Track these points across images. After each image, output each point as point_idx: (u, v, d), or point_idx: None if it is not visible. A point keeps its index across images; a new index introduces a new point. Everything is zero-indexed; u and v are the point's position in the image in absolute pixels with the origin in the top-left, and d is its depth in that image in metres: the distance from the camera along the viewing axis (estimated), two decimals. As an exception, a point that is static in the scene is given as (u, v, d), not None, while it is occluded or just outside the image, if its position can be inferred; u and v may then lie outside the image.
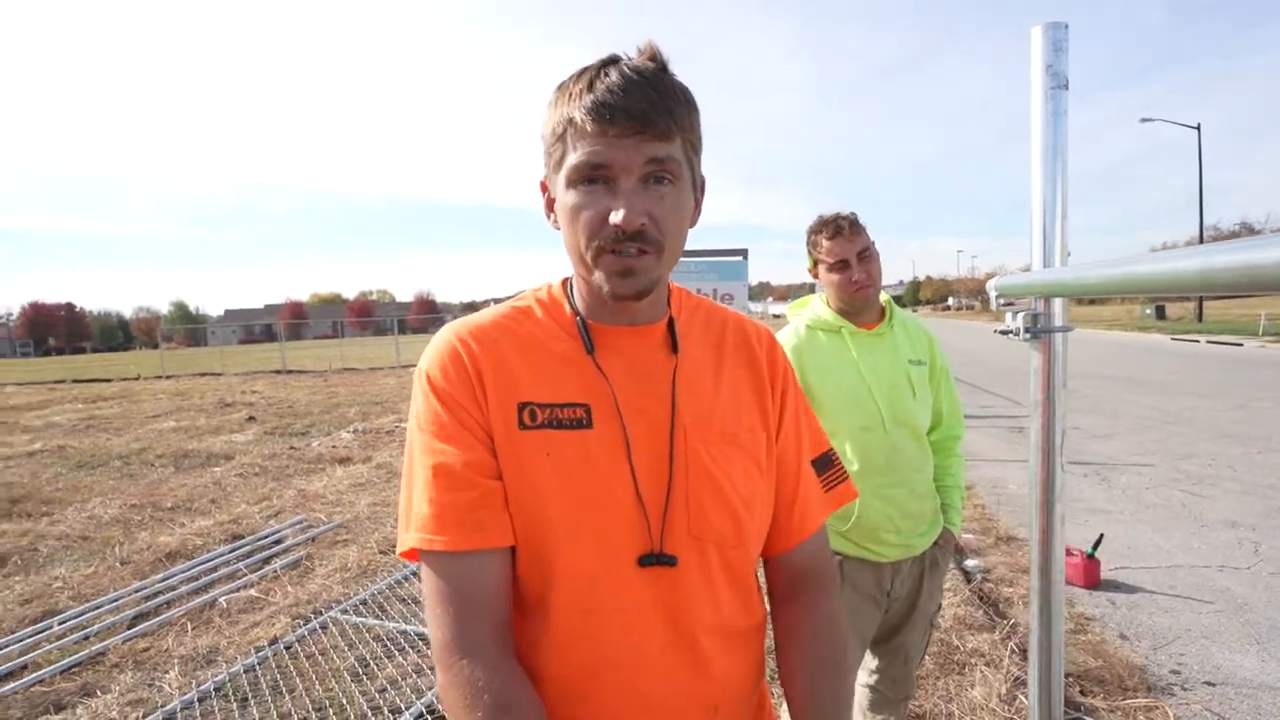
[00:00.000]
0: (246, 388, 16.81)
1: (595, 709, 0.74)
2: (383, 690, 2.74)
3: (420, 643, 3.10)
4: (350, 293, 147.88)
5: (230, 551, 4.39)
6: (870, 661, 1.90)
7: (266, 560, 4.26)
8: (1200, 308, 29.82)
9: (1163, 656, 2.88)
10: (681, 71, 0.74)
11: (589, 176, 0.70)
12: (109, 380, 21.99)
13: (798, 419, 0.88)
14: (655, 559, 0.72)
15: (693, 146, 0.74)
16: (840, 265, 1.70)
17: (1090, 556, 3.59)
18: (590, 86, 0.69)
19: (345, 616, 3.37)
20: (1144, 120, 30.99)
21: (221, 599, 3.66)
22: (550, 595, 0.72)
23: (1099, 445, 6.71)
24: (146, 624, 3.38)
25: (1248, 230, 60.05)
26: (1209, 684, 2.66)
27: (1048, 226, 0.92)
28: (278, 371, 22.32)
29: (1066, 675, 2.76)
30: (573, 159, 0.70)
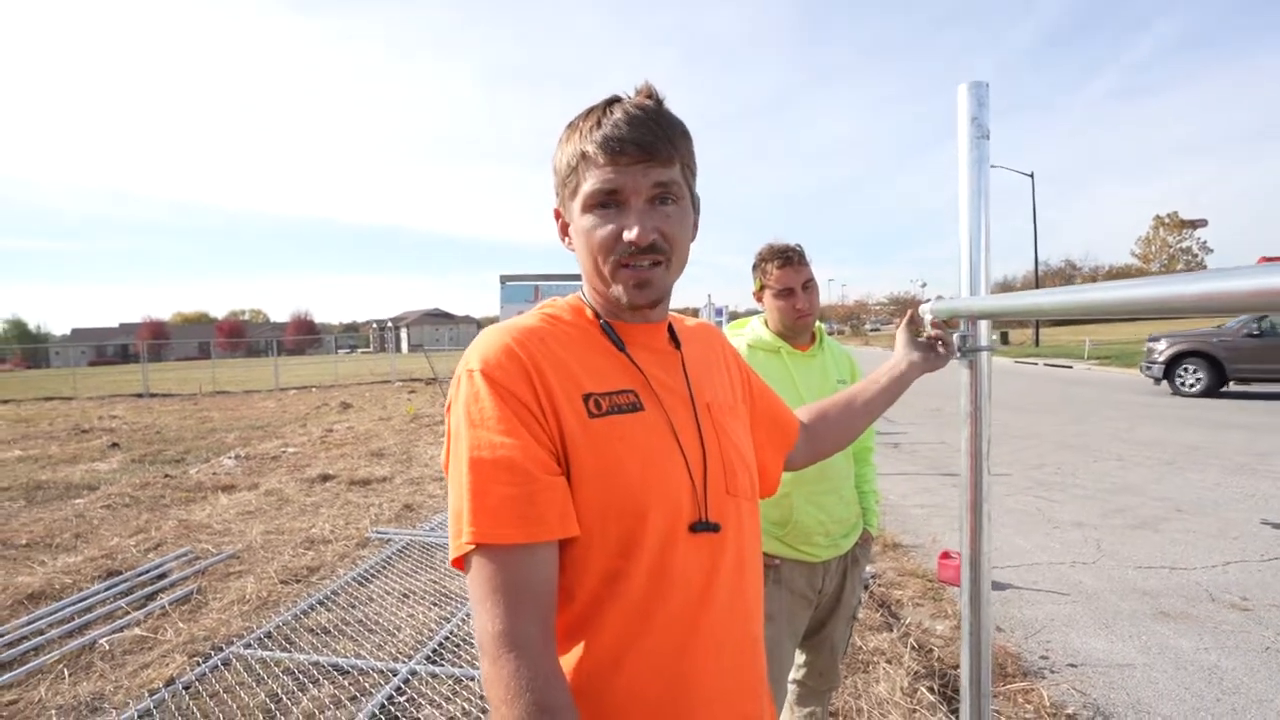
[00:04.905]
0: (104, 412, 15.26)
1: (676, 677, 0.79)
2: (299, 724, 2.62)
3: (335, 674, 2.99)
4: (218, 312, 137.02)
5: (107, 589, 4.02)
6: (798, 657, 2.04)
7: (151, 596, 3.94)
8: (1037, 334, 33.12)
9: (1033, 644, 3.24)
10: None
11: (603, 201, 0.81)
12: (-73, 405, 19.28)
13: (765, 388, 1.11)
14: (704, 525, 0.82)
15: (690, 170, 0.86)
16: (786, 293, 1.86)
17: (969, 559, 3.97)
18: (599, 124, 0.81)
19: (249, 651, 3.19)
20: (992, 167, 34.40)
21: (102, 641, 3.35)
22: (626, 566, 0.77)
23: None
24: (11, 673, 3.04)
25: (1071, 266, 67.86)
26: (1072, 665, 3.02)
27: (974, 258, 1.07)
28: (139, 395, 20.40)
29: (953, 667, 3.06)
30: (587, 187, 0.81)
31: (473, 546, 0.70)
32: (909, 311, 1.24)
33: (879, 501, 2.11)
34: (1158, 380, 12.70)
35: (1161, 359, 12.60)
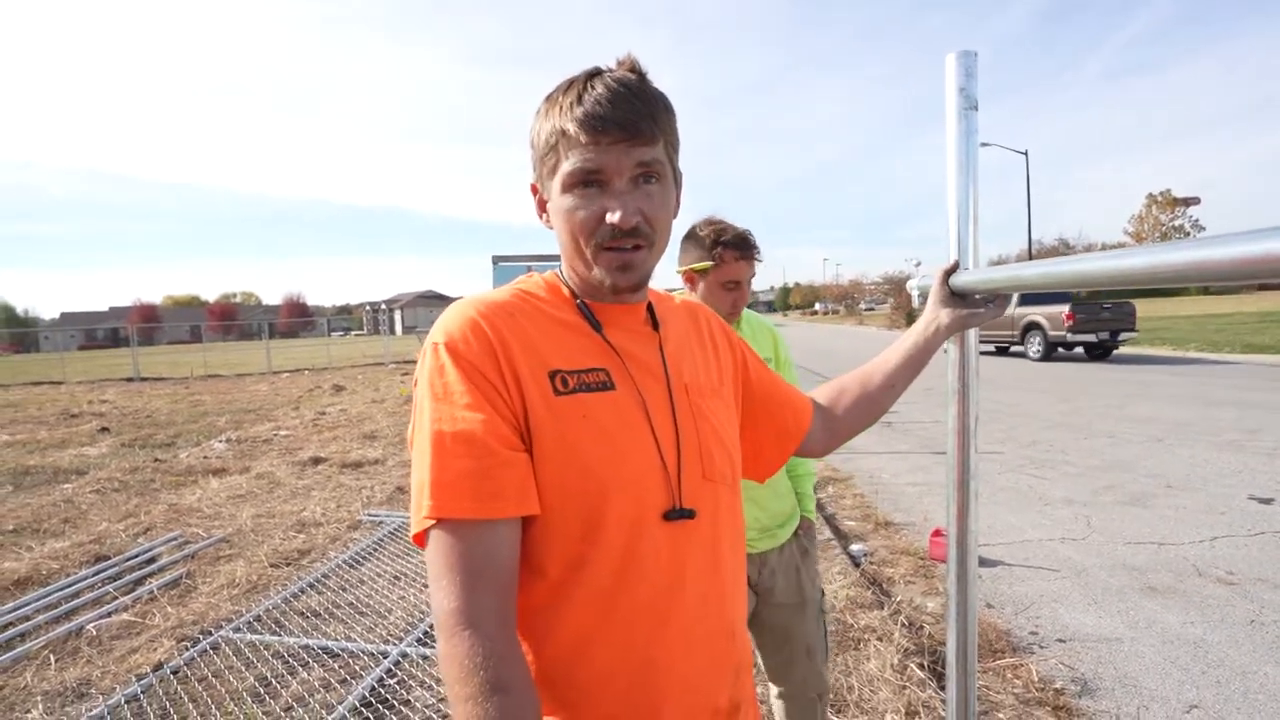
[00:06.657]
0: (94, 397, 15.16)
1: (644, 664, 0.76)
2: (289, 709, 2.61)
3: (325, 657, 2.98)
4: (210, 295, 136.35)
5: (95, 574, 4.00)
6: (778, 670, 1.91)
7: (139, 581, 3.92)
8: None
9: (1022, 620, 3.25)
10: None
11: (584, 180, 0.77)
12: (-85, 391, 19.12)
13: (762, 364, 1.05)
14: (678, 513, 0.79)
15: (673, 146, 0.82)
16: (733, 285, 1.77)
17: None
18: (579, 99, 0.76)
19: (239, 635, 3.18)
20: (983, 145, 34.22)
21: (89, 626, 3.34)
22: (591, 551, 0.75)
23: (961, 437, 7.39)
24: (-2, 659, 3.03)
25: (1065, 245, 67.52)
26: (1061, 641, 3.04)
27: (962, 232, 1.04)
28: (130, 379, 20.27)
29: (943, 643, 3.06)
30: (567, 166, 0.77)
31: (432, 522, 0.69)
32: (945, 267, 1.08)
33: (814, 483, 2.04)
34: None
35: None
